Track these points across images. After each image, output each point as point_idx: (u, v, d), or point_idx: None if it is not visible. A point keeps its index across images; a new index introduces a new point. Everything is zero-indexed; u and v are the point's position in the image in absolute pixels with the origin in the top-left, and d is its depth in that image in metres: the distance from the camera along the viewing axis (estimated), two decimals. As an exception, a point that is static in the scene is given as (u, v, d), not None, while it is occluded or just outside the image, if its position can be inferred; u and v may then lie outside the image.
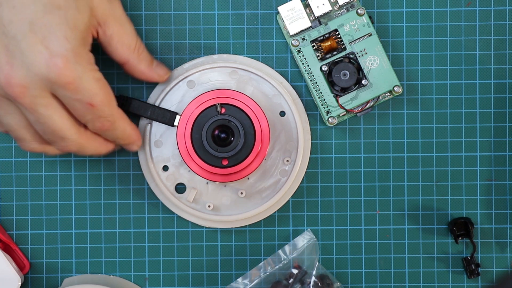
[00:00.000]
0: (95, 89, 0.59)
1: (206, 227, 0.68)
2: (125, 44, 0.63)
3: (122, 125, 0.63)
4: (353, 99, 0.67)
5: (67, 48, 0.58)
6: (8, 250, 0.67)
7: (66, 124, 0.60)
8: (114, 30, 0.62)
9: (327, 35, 0.67)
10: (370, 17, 0.67)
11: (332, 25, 0.66)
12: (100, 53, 0.67)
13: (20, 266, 0.67)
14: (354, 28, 0.66)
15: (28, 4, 0.58)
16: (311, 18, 0.66)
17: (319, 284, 0.67)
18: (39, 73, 0.57)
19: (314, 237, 0.68)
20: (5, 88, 0.58)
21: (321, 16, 0.66)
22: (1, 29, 0.58)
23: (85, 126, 0.62)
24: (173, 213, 0.68)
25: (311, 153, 0.68)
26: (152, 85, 0.68)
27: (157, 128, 0.67)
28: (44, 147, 0.62)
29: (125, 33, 0.63)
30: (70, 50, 0.58)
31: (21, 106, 0.59)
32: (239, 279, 0.68)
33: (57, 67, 0.57)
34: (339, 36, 0.67)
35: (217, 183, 0.67)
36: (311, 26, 0.66)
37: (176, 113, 0.66)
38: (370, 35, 0.66)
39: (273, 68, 0.68)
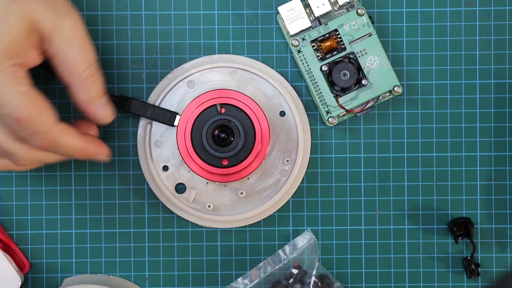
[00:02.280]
0: (20, 103, 0.55)
1: (206, 227, 0.68)
2: (68, 68, 0.58)
3: (68, 142, 0.58)
4: (353, 99, 0.67)
5: None
6: (8, 250, 0.67)
7: (8, 140, 0.57)
8: (58, 49, 0.57)
9: (327, 35, 0.67)
10: (370, 17, 0.66)
11: (332, 25, 0.66)
12: (100, 53, 0.67)
13: (20, 266, 0.67)
14: (354, 28, 0.66)
15: None
16: (311, 18, 0.66)
17: (319, 284, 0.67)
18: None
19: (314, 237, 0.68)
20: None
21: (321, 16, 0.66)
22: None
23: None
24: (173, 213, 0.68)
25: (311, 153, 0.68)
26: (152, 85, 0.68)
27: (157, 128, 0.67)
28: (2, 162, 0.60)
29: (70, 55, 0.58)
30: None
31: None
32: (239, 279, 0.68)
33: None
34: (339, 36, 0.67)
35: (217, 183, 0.67)
36: (311, 26, 0.66)
37: (176, 113, 0.66)
38: (370, 35, 0.66)
39: (273, 68, 0.68)
